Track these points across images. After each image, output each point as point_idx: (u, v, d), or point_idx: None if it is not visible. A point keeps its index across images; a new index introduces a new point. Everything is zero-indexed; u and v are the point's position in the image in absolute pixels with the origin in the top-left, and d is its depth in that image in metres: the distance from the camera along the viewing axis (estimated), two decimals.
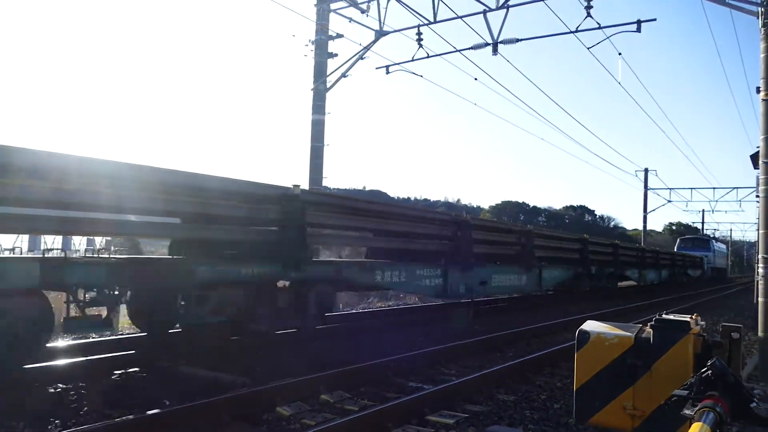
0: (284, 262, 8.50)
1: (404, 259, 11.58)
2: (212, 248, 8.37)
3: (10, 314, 6.08)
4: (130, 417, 5.32)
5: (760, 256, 9.37)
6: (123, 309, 8.04)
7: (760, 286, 9.17)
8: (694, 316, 3.71)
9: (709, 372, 2.69)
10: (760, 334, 9.08)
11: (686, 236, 51.77)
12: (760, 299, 9.12)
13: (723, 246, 57.99)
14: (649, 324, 3.70)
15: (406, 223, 11.64)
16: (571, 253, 19.29)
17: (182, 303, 7.91)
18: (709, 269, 44.47)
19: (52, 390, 6.34)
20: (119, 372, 7.18)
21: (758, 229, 9.62)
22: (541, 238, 17.05)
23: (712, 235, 57.62)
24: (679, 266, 34.53)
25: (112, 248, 7.82)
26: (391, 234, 11.29)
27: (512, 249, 15.28)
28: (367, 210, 10.85)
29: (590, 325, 3.90)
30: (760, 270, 9.22)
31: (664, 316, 3.69)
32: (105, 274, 6.78)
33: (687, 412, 2.56)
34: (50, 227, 7.42)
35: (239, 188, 8.29)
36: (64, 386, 6.46)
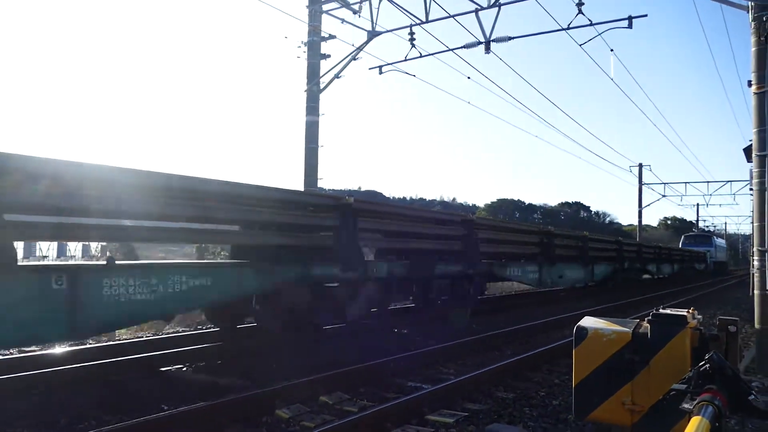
0: (466, 261, 12.35)
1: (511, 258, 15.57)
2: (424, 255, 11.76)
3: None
4: (128, 422, 5.29)
5: (755, 249, 9.39)
6: None
7: (756, 279, 9.19)
8: (690, 310, 3.72)
9: (707, 365, 2.69)
10: (756, 326, 9.10)
11: (690, 233, 54.11)
12: (756, 292, 9.14)
13: (723, 241, 60.50)
14: (646, 319, 3.71)
15: (522, 234, 16.23)
16: (611, 252, 23.43)
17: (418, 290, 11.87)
18: (711, 263, 47.35)
19: (48, 396, 6.32)
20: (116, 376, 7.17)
21: (753, 222, 9.64)
22: (593, 242, 21.02)
23: (713, 232, 61.69)
24: (687, 261, 39.16)
25: (108, 253, 8.25)
26: (513, 242, 15.49)
27: (576, 251, 19.53)
28: (502, 227, 15.77)
29: (588, 321, 3.90)
30: (755, 263, 9.25)
31: (661, 310, 3.70)
32: (404, 269, 10.62)
33: (686, 406, 2.57)
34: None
35: (447, 217, 13.01)
36: (63, 391, 6.45)
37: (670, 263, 33.52)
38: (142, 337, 10.16)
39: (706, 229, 68.41)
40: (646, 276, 29.96)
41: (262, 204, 8.01)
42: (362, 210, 9.60)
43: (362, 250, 9.62)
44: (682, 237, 52.57)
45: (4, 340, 5.47)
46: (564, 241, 18.54)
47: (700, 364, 2.73)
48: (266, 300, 8.54)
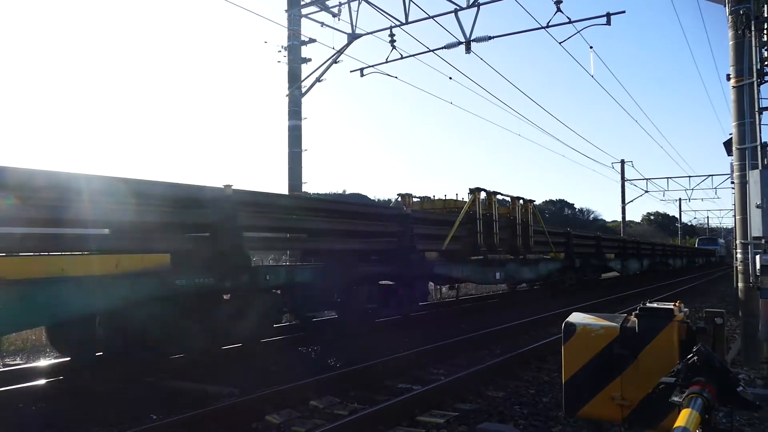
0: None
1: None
2: None
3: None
4: None
5: (737, 242, 9.47)
6: None
7: (740, 272, 9.27)
8: (677, 303, 3.73)
9: (695, 358, 2.70)
10: (741, 318, 9.18)
11: (703, 237, 74.12)
12: (740, 284, 9.22)
13: (723, 241, 74.86)
14: (633, 313, 3.72)
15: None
16: (686, 252, 39.23)
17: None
18: (718, 257, 64.89)
19: (35, 407, 6.23)
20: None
21: (735, 215, 9.73)
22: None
23: (718, 235, 79.52)
24: (706, 255, 58.87)
25: None
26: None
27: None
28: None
29: (576, 317, 3.91)
30: (739, 255, 9.33)
31: (648, 304, 3.71)
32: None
33: (675, 399, 2.57)
34: None
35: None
36: (47, 402, 6.36)
37: (701, 257, 55.08)
38: None
39: (689, 224, 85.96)
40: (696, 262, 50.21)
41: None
42: None
43: None
44: (698, 239, 71.62)
45: None
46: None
47: (688, 356, 2.74)
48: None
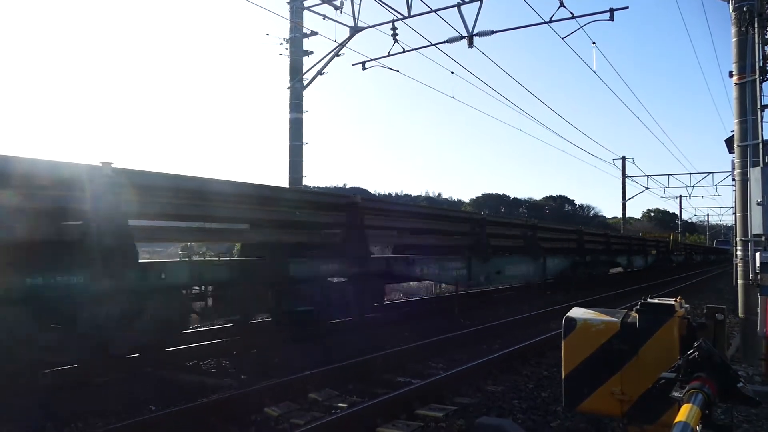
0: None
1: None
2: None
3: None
4: (116, 425, 5.23)
5: (738, 239, 9.47)
6: None
7: (739, 269, 9.27)
8: (678, 299, 3.73)
9: (696, 354, 2.69)
10: (740, 315, 9.19)
11: (720, 239, 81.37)
12: (740, 281, 9.22)
13: None
14: (634, 309, 3.71)
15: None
16: (710, 251, 60.16)
17: None
18: (730, 254, 64.93)
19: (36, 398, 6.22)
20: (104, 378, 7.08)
21: (735, 213, 9.72)
22: (698, 248, 54.49)
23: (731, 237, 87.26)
24: (722, 254, 66.66)
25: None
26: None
27: (690, 250, 48.05)
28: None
29: (577, 312, 3.90)
30: (739, 252, 9.33)
31: (648, 300, 3.70)
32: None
33: (675, 394, 2.56)
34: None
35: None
36: (46, 393, 6.35)
37: (720, 254, 65.63)
38: None
39: (689, 221, 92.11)
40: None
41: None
42: None
43: None
44: (715, 241, 79.82)
45: None
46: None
47: (689, 352, 2.73)
48: None
